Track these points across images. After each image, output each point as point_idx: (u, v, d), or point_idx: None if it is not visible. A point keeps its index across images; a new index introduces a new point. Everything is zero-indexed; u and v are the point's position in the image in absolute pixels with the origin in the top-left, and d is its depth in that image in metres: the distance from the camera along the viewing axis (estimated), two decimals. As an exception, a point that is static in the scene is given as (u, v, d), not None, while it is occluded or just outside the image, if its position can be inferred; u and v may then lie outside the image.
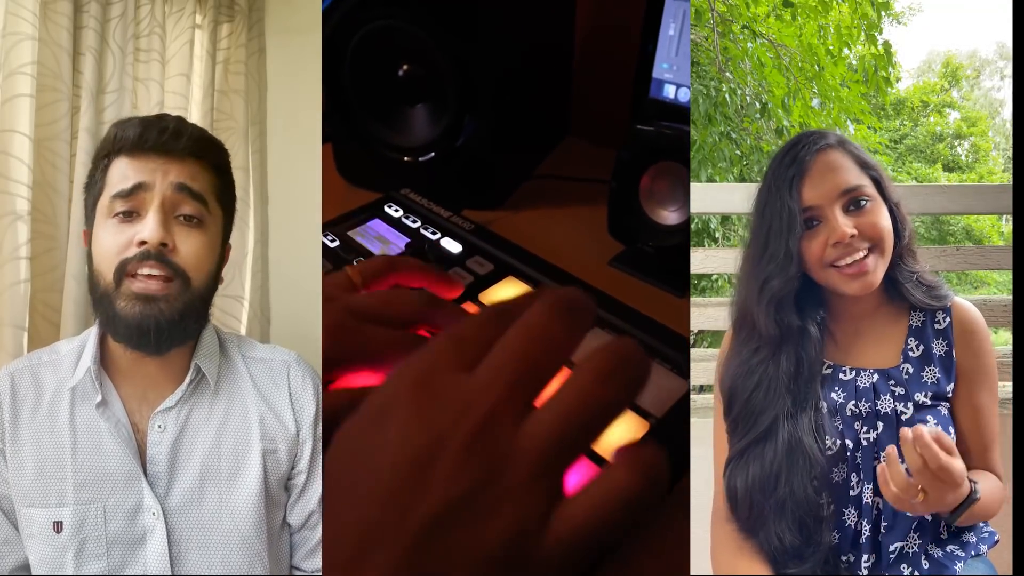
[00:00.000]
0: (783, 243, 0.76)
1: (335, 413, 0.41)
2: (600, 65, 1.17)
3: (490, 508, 0.27)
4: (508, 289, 0.77)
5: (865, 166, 0.78)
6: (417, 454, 0.27)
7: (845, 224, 0.75)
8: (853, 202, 0.76)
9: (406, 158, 0.97)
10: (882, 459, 0.74)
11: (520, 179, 1.09)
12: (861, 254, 0.75)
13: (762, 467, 0.76)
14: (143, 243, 0.71)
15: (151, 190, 0.72)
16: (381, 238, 0.83)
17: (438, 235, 0.85)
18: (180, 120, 0.77)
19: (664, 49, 0.83)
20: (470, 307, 0.73)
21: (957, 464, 0.65)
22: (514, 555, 0.26)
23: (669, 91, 0.84)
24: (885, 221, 0.76)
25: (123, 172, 0.72)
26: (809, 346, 0.78)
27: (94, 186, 0.75)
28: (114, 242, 0.72)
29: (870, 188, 0.77)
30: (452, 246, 0.83)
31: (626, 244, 0.89)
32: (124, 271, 0.71)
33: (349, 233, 0.83)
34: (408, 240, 0.81)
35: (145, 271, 0.71)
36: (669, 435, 0.37)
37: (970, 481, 0.68)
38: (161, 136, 0.73)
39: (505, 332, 0.31)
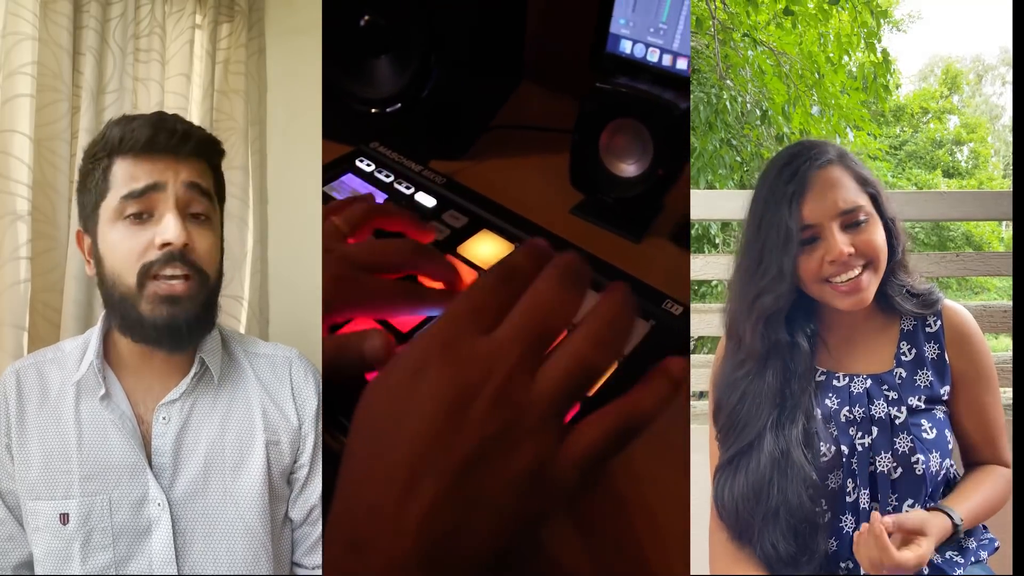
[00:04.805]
0: (777, 260, 0.76)
1: (336, 359, 0.49)
2: (556, 8, 1.15)
3: (515, 443, 0.34)
4: (485, 243, 0.81)
5: (864, 183, 0.78)
6: (453, 402, 0.34)
7: (843, 243, 0.75)
8: (854, 221, 0.76)
9: (373, 109, 0.97)
10: (878, 465, 0.75)
11: (481, 127, 1.09)
12: (856, 271, 0.76)
13: (747, 478, 0.76)
14: (166, 244, 0.71)
15: (164, 190, 0.72)
16: (355, 193, 0.85)
17: (412, 190, 0.88)
18: (184, 121, 0.77)
19: (622, 4, 0.85)
20: (451, 259, 0.77)
21: (912, 557, 0.68)
22: (537, 479, 0.34)
23: (626, 47, 0.86)
24: (880, 238, 0.77)
25: (131, 173, 0.72)
26: (799, 359, 0.79)
27: (94, 188, 0.74)
28: (132, 245, 0.71)
29: (868, 206, 0.77)
30: (427, 200, 0.86)
31: (587, 194, 0.92)
32: (148, 274, 0.71)
33: (323, 188, 0.86)
34: (386, 197, 0.86)
35: (168, 272, 0.71)
36: (634, 372, 0.41)
37: (954, 522, 0.73)
38: (171, 139, 0.73)
39: (512, 296, 0.39)
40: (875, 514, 0.70)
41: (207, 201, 0.75)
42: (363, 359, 0.52)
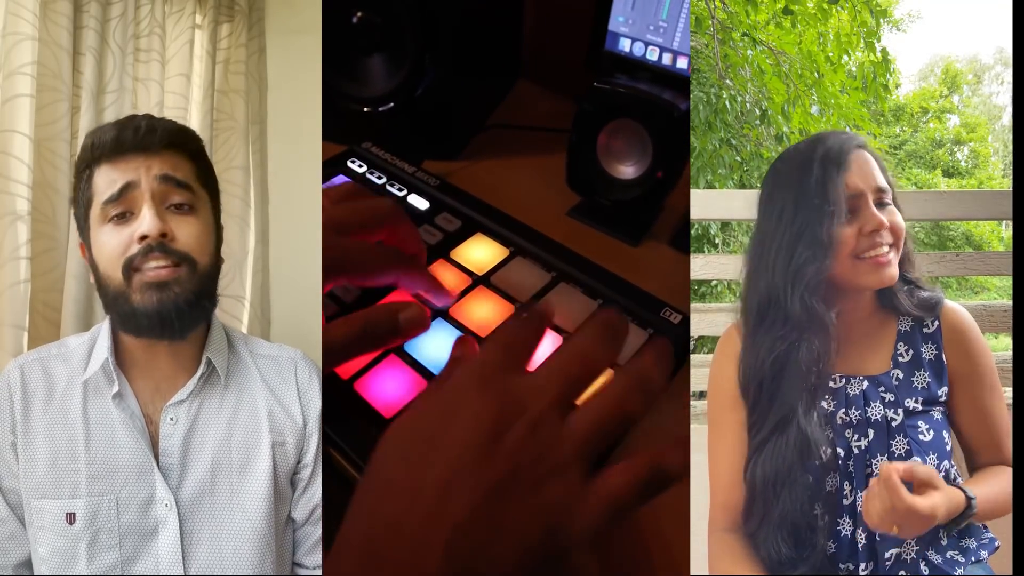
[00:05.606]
0: (824, 229, 0.76)
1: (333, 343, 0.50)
2: (553, 6, 1.14)
3: (545, 477, 0.35)
4: (479, 247, 0.80)
5: (883, 171, 0.79)
6: (490, 429, 0.36)
7: (880, 214, 0.76)
8: (881, 201, 0.77)
9: (366, 108, 0.96)
10: (875, 468, 0.74)
11: (477, 127, 1.08)
12: (885, 248, 0.76)
13: (773, 461, 0.75)
14: (144, 237, 0.72)
15: (138, 187, 0.73)
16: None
17: (404, 191, 0.87)
18: (151, 117, 0.78)
19: (621, 1, 0.84)
20: (444, 265, 0.77)
21: (925, 502, 0.66)
22: (563, 516, 0.35)
23: (625, 45, 0.86)
24: (901, 220, 0.78)
25: (108, 177, 0.73)
26: (827, 341, 0.77)
27: (81, 198, 0.76)
28: (116, 243, 0.73)
29: (890, 191, 0.78)
30: (419, 203, 0.85)
31: (584, 196, 0.91)
32: (131, 267, 0.72)
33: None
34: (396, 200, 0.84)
35: (151, 264, 0.72)
36: None
37: (967, 495, 0.71)
38: (137, 135, 0.74)
39: (536, 333, 0.43)
40: (883, 463, 0.69)
41: (185, 191, 0.75)
42: (397, 328, 0.52)
